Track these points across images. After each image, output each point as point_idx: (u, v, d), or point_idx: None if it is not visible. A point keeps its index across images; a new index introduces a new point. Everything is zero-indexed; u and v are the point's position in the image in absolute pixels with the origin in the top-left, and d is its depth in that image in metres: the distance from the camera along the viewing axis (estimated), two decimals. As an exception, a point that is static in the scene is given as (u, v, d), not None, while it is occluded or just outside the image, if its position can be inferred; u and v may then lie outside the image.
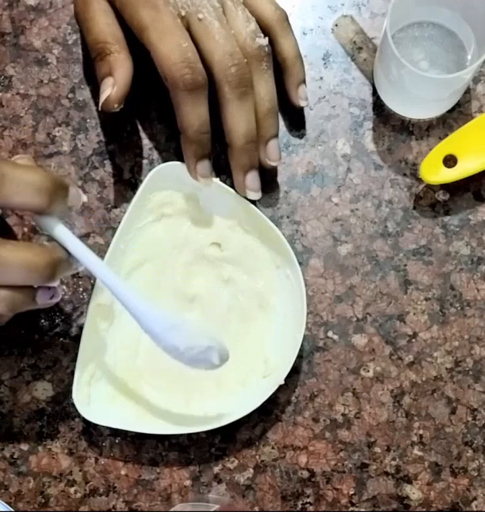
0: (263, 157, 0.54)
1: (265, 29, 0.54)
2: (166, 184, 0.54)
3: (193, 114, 0.51)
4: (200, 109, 0.51)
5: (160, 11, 0.51)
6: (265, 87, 0.53)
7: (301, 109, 0.57)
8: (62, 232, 0.47)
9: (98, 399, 0.53)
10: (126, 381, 0.54)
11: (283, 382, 0.52)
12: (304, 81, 0.56)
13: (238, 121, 0.52)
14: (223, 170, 0.56)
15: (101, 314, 0.53)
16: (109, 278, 0.48)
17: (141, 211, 0.54)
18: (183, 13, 0.52)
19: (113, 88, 0.51)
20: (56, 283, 0.48)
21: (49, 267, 0.46)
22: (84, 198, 0.48)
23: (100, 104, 0.52)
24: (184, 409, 0.54)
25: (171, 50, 0.50)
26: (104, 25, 0.53)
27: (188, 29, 0.52)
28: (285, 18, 0.55)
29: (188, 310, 0.55)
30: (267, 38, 0.54)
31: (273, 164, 0.55)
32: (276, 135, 0.55)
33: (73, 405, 0.52)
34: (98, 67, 0.53)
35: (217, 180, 0.54)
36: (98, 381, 0.53)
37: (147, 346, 0.54)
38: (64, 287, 0.56)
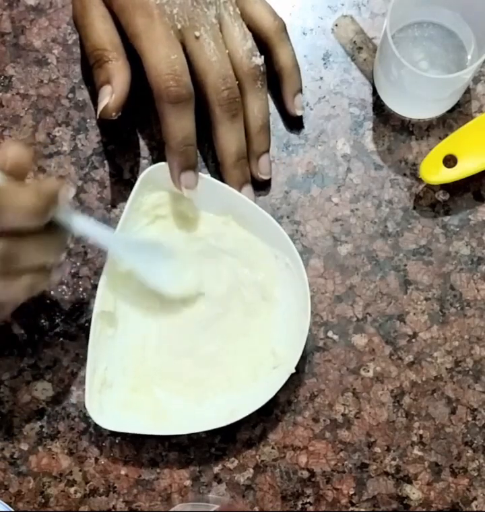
0: (255, 172, 0.56)
1: (262, 39, 0.55)
2: (158, 185, 0.54)
3: (177, 126, 0.52)
4: (184, 121, 0.52)
5: (154, 20, 0.51)
6: (258, 105, 0.55)
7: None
8: (63, 214, 0.48)
9: (110, 405, 0.53)
10: (136, 385, 0.54)
11: (294, 370, 0.52)
12: (300, 91, 0.57)
13: (229, 141, 0.54)
14: (217, 170, 0.56)
15: (105, 322, 0.53)
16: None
17: (135, 215, 0.54)
18: (179, 27, 0.52)
19: (111, 97, 0.52)
20: (63, 258, 0.51)
21: (42, 209, 0.45)
22: (72, 192, 0.48)
23: (98, 113, 0.52)
24: (197, 409, 0.54)
25: (159, 60, 0.51)
26: (102, 32, 0.53)
27: (183, 44, 0.52)
28: (284, 28, 0.56)
29: (190, 307, 0.55)
30: (262, 57, 0.55)
31: (265, 177, 0.57)
32: (268, 150, 0.56)
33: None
34: (96, 75, 0.53)
35: (208, 176, 0.55)
36: (108, 388, 0.53)
37: (154, 349, 0.55)
38: (64, 287, 0.56)
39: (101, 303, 0.53)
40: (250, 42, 0.54)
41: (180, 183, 0.53)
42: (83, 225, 0.49)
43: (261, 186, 0.57)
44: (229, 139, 0.54)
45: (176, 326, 0.55)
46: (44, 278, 0.48)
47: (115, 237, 0.52)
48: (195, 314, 0.56)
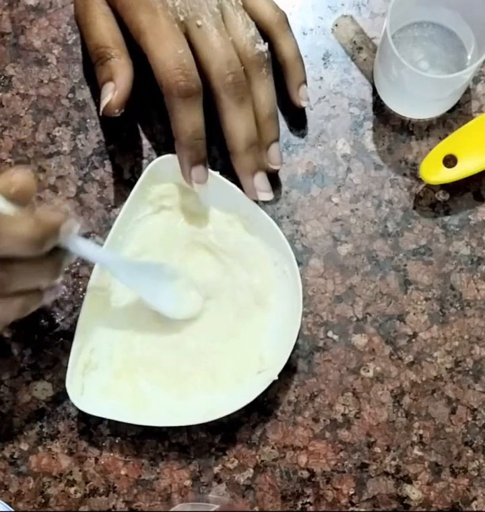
0: (264, 162, 0.55)
1: (265, 31, 0.55)
2: (166, 177, 0.55)
3: (187, 121, 0.52)
4: (194, 116, 0.52)
5: (158, 15, 0.51)
6: (265, 93, 0.54)
7: (301, 109, 0.57)
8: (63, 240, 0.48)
9: (91, 389, 0.53)
10: (120, 372, 0.54)
11: (276, 378, 0.52)
12: (305, 82, 0.56)
13: (238, 127, 0.53)
14: (224, 169, 0.56)
15: (97, 305, 0.54)
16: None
17: (140, 204, 0.55)
18: (182, 18, 0.52)
19: (114, 93, 0.52)
20: (58, 281, 0.50)
21: (39, 240, 0.45)
22: (77, 227, 0.48)
23: (101, 109, 0.52)
24: (178, 403, 0.54)
25: (166, 56, 0.51)
26: (105, 30, 0.53)
27: (187, 35, 0.52)
28: (285, 19, 0.55)
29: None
30: (266, 44, 0.54)
31: (275, 167, 0.55)
32: (277, 139, 0.55)
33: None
34: (99, 72, 0.53)
35: (217, 173, 0.54)
36: (92, 371, 0.53)
37: (141, 338, 0.55)
38: (64, 287, 0.56)
39: (94, 285, 0.53)
40: (253, 30, 0.54)
41: (191, 178, 0.53)
42: (83, 249, 0.49)
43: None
44: (238, 126, 0.53)
45: (165, 319, 0.55)
46: (36, 300, 0.49)
47: (117, 260, 0.53)
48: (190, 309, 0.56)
